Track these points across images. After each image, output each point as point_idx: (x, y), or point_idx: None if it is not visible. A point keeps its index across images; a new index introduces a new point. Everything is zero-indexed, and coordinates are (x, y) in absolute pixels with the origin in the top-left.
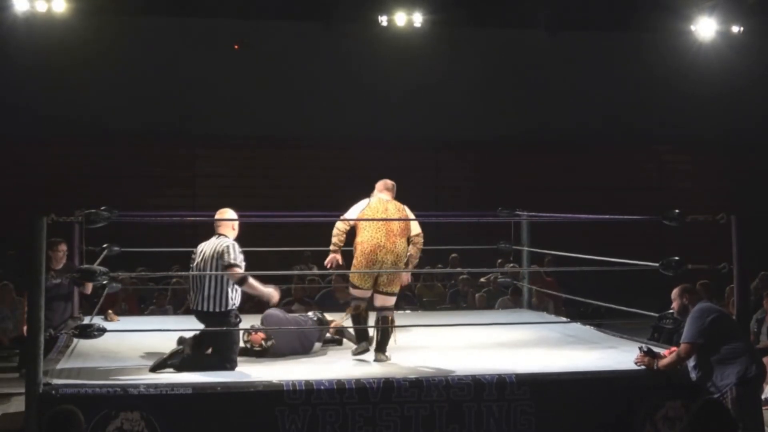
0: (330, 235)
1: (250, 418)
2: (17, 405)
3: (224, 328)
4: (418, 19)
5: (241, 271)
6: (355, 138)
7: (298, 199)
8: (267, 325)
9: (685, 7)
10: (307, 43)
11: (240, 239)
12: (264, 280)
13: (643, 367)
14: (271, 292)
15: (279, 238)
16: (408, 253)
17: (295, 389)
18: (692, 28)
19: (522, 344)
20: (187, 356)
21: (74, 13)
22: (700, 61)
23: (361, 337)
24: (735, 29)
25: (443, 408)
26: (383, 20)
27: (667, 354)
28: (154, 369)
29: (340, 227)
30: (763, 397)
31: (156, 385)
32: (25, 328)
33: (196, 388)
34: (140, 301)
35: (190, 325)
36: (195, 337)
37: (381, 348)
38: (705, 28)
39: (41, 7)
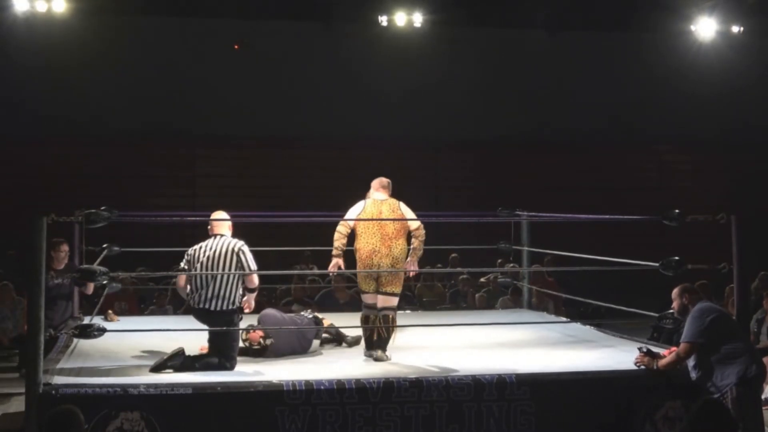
0: (330, 236)
1: (250, 418)
2: (17, 405)
3: (227, 328)
4: (418, 19)
5: (257, 279)
6: (355, 138)
7: (298, 199)
8: (264, 324)
9: (685, 7)
10: (306, 43)
11: (240, 239)
12: (264, 280)
13: (643, 367)
14: (250, 306)
15: (279, 238)
16: (412, 247)
17: (295, 389)
18: (692, 28)
19: (522, 344)
20: (187, 358)
21: (74, 13)
22: (700, 61)
23: (370, 346)
24: (735, 29)
25: (443, 408)
26: (383, 20)
27: (666, 354)
28: (155, 370)
29: (340, 231)
30: (763, 397)
31: (156, 385)
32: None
33: (196, 388)
34: (140, 301)
35: (190, 325)
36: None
37: (381, 346)
38: (705, 28)
39: (41, 7)
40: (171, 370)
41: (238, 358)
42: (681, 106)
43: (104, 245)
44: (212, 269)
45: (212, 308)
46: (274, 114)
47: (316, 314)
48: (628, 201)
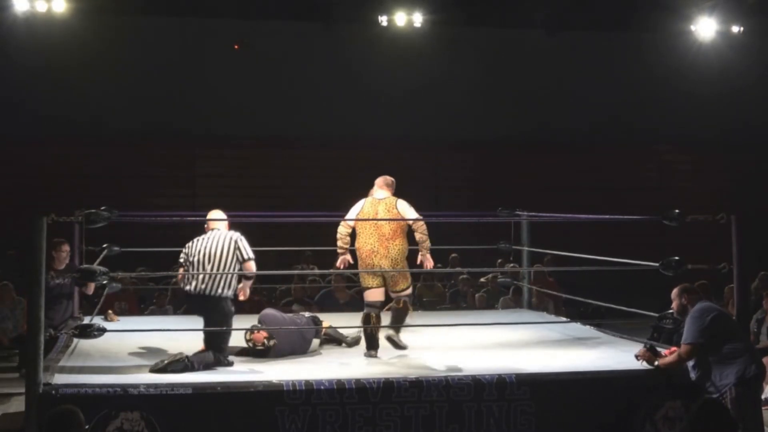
0: (330, 235)
1: (250, 418)
2: (17, 405)
3: (225, 323)
4: (418, 19)
5: (254, 267)
6: (355, 138)
7: (298, 199)
8: (266, 324)
9: (685, 7)
10: (306, 43)
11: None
12: (264, 280)
13: (643, 362)
14: (245, 294)
15: (279, 238)
16: (417, 241)
17: (295, 389)
18: (692, 28)
19: (522, 344)
20: (187, 361)
21: (74, 13)
22: (700, 61)
23: (371, 345)
24: (735, 29)
25: (443, 408)
26: (383, 20)
27: (668, 354)
28: (155, 371)
29: (341, 231)
30: (763, 397)
31: (156, 385)
32: None
33: (196, 388)
34: (140, 301)
35: (190, 325)
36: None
37: (395, 327)
38: (705, 28)
39: (41, 7)
40: (172, 374)
41: (240, 358)
42: (681, 106)
43: (104, 245)
44: (209, 258)
45: (207, 293)
46: (274, 114)
47: (316, 315)
48: (628, 201)
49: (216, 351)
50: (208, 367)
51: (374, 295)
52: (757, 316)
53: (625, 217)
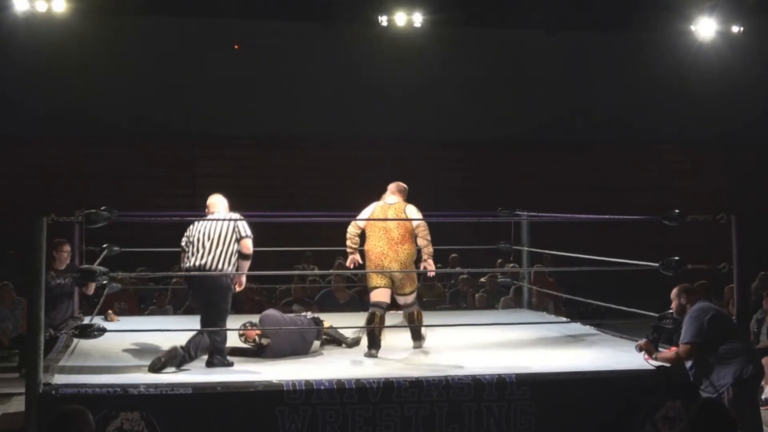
0: (331, 236)
1: (250, 418)
2: (17, 405)
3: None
4: (418, 19)
5: (251, 245)
6: (355, 138)
7: (297, 199)
8: (265, 324)
9: (685, 7)
10: (307, 43)
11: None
12: (264, 280)
13: (642, 352)
14: (243, 282)
15: (279, 238)
16: (420, 247)
17: (295, 389)
18: (692, 28)
19: (522, 344)
20: (183, 351)
21: (74, 13)
22: (700, 61)
23: (373, 344)
24: (735, 29)
25: (443, 408)
26: (383, 20)
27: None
28: (154, 371)
29: (351, 231)
30: (763, 397)
31: (156, 385)
32: None
33: (196, 388)
34: (140, 301)
35: (190, 325)
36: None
37: (417, 337)
38: (705, 28)
39: (41, 7)
40: (173, 369)
41: (240, 359)
42: (681, 106)
43: (104, 245)
44: (209, 236)
45: (207, 266)
46: (274, 114)
47: (317, 315)
48: (628, 201)
49: (216, 317)
50: (204, 350)
51: (380, 295)
52: (757, 316)
53: (625, 217)
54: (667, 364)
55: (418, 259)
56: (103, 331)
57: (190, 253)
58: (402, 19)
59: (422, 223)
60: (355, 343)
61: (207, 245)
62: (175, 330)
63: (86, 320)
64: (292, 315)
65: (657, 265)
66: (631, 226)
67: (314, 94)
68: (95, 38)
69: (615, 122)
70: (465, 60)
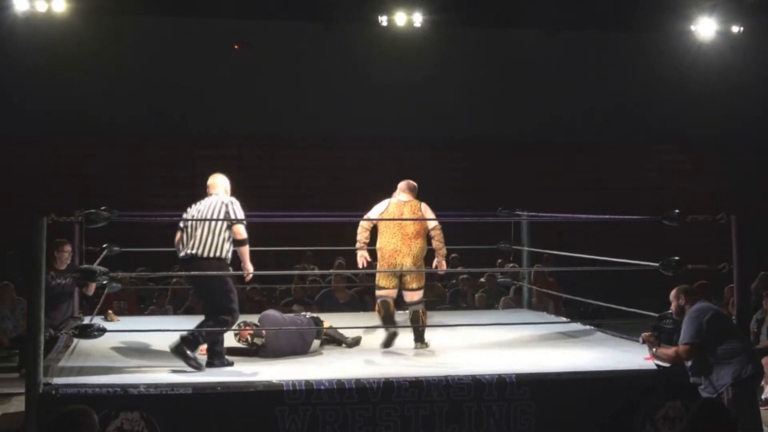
0: (330, 236)
1: (250, 418)
2: (17, 405)
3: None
4: (418, 19)
5: (244, 230)
6: (355, 138)
7: (298, 198)
8: (264, 324)
9: (685, 7)
10: (307, 43)
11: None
12: (264, 280)
13: (646, 345)
14: (250, 270)
15: (279, 238)
16: (434, 247)
17: (295, 389)
18: (692, 28)
19: (522, 344)
20: (193, 335)
21: (74, 13)
22: (700, 61)
23: (388, 322)
24: (735, 29)
25: (443, 408)
26: (383, 20)
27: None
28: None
29: (363, 225)
30: (762, 397)
31: (156, 385)
32: None
33: (196, 388)
34: (140, 301)
35: (190, 325)
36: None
37: (420, 338)
38: (705, 28)
39: (41, 7)
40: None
41: (240, 359)
42: (681, 106)
43: (104, 245)
44: (200, 223)
45: (198, 254)
46: (274, 114)
47: (317, 315)
48: (628, 201)
49: (222, 315)
50: (211, 334)
51: (389, 293)
52: (757, 316)
53: (625, 217)
54: (667, 364)
55: (428, 256)
56: (103, 331)
57: (184, 239)
58: (402, 19)
59: (437, 224)
60: (355, 342)
61: (197, 234)
62: (175, 330)
63: (86, 320)
64: (291, 315)
65: (657, 265)
66: (631, 226)
67: (314, 94)
68: (95, 38)
69: (615, 122)
70: (465, 60)
